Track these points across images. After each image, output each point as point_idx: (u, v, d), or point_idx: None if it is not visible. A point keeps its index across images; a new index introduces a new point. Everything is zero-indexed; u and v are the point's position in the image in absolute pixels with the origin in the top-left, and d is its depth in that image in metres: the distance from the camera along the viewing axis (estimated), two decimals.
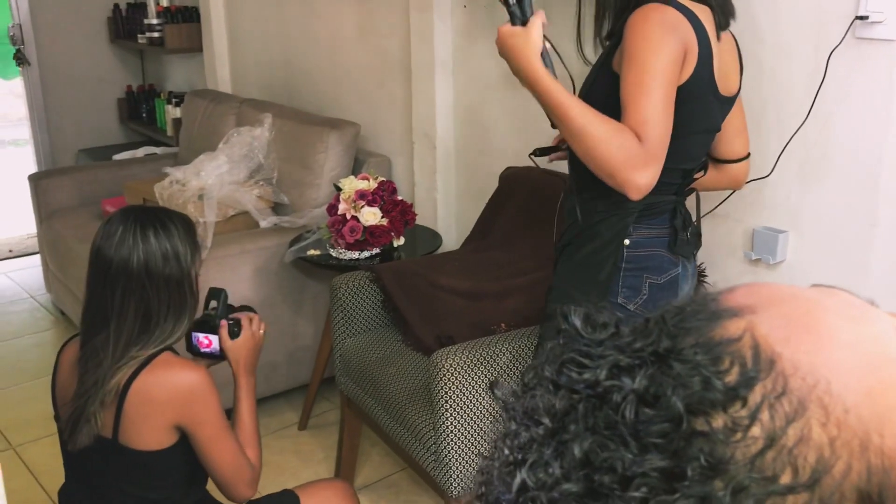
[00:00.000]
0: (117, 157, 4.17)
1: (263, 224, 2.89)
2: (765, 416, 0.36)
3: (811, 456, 0.36)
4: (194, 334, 1.65)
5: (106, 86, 4.83)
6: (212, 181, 2.90)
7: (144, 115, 4.74)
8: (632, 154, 1.26)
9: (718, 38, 1.42)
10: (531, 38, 1.34)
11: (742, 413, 0.37)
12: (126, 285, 1.45)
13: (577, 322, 0.43)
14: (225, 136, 3.09)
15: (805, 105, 1.74)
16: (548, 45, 1.39)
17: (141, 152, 4.21)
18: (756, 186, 1.89)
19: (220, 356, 1.65)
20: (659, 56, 1.28)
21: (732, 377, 0.37)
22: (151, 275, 1.46)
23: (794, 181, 1.80)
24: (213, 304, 1.66)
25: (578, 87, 1.51)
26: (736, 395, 0.37)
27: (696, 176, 1.53)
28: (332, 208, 2.59)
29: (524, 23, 1.36)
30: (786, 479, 0.36)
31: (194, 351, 1.66)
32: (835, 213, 1.76)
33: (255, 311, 1.69)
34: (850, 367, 0.38)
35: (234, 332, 1.63)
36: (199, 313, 1.64)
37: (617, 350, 0.40)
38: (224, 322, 1.62)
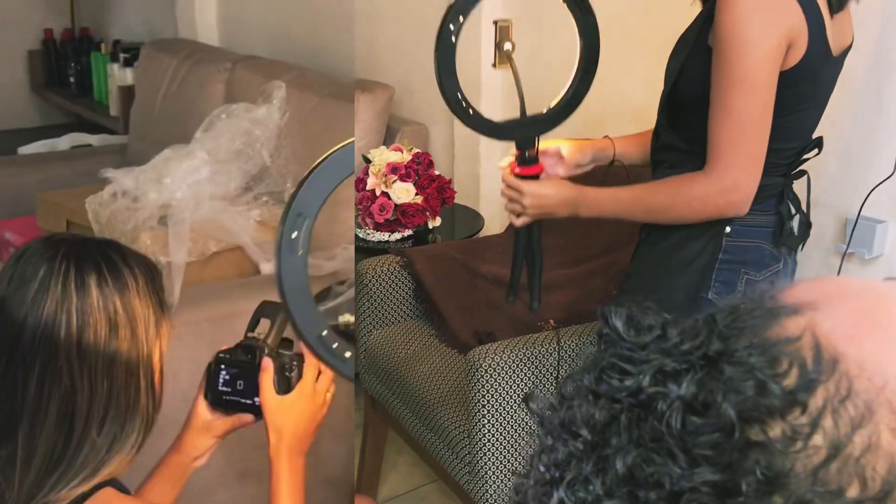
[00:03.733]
0: (24, 149, 3.26)
1: (266, 268, 2.15)
2: (827, 422, 0.37)
3: (881, 466, 0.37)
4: (224, 369, 1.24)
5: (10, 30, 3.65)
6: (182, 194, 2.19)
7: (72, 78, 3.79)
8: (700, 195, 1.39)
9: None
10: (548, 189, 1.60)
11: (802, 420, 0.38)
12: (46, 365, 1.03)
13: (619, 324, 0.44)
14: (207, 118, 2.41)
15: None
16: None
17: (65, 142, 3.35)
18: (852, 169, 1.86)
19: (254, 409, 1.23)
20: (750, 54, 1.29)
21: (791, 380, 0.38)
22: (87, 352, 1.04)
23: None
24: (266, 323, 1.25)
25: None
26: (795, 400, 0.38)
27: (808, 155, 1.50)
28: (360, 182, 2.62)
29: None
30: (853, 492, 0.37)
31: (214, 395, 1.24)
32: None
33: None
34: None
35: (285, 381, 1.19)
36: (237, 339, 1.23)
37: (662, 354, 0.41)
38: (269, 360, 1.19)
